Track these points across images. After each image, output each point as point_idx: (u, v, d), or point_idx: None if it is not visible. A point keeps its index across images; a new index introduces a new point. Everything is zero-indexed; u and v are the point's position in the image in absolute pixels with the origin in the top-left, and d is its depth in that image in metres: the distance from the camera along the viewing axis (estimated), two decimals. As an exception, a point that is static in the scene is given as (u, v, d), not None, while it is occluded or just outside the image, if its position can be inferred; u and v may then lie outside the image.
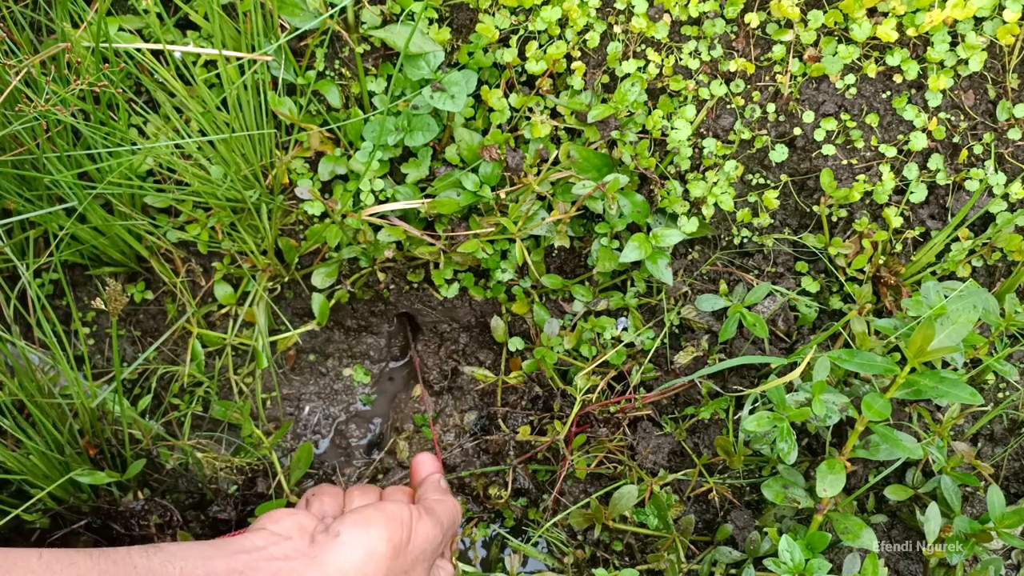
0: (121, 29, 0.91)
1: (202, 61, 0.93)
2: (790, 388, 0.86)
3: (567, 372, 1.01)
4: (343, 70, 0.96)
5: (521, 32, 0.94)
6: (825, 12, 0.89)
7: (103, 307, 0.75)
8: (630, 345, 0.98)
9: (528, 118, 0.95)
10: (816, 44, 0.91)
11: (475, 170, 0.94)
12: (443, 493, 0.85)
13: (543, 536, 0.99)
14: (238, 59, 0.89)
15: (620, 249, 0.95)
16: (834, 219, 0.94)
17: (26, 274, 0.83)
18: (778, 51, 0.91)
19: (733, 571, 0.89)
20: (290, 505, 0.91)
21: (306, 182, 0.96)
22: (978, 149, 0.90)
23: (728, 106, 0.93)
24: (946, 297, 0.78)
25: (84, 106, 0.83)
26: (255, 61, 0.87)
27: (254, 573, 0.65)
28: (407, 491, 0.87)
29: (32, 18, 0.91)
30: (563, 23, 0.94)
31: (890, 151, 0.91)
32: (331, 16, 0.92)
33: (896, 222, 0.91)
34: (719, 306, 0.93)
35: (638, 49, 0.94)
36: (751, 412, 0.88)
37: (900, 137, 0.91)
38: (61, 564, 0.60)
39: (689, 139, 0.94)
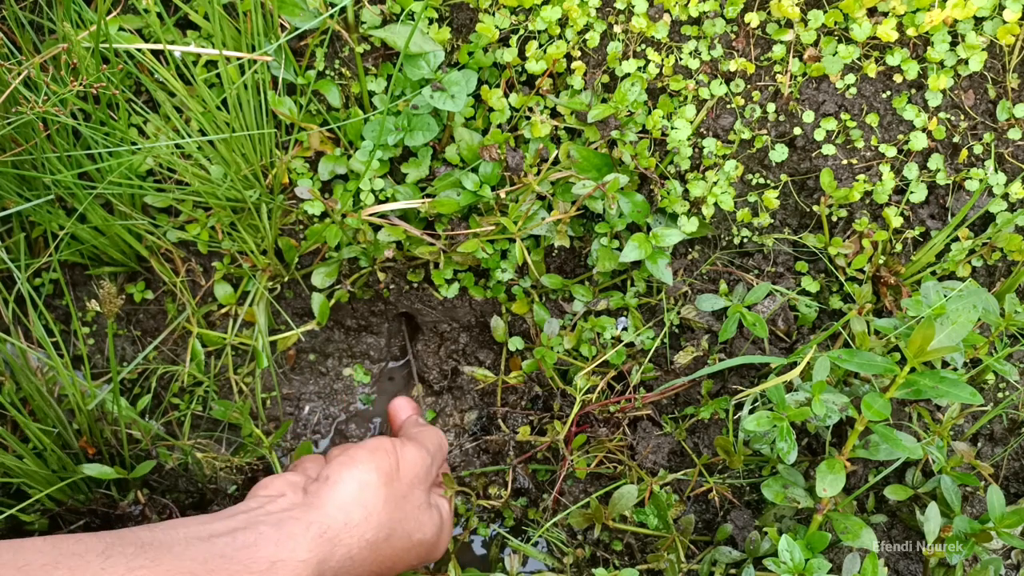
0: (121, 29, 0.91)
1: (202, 61, 0.93)
2: (790, 388, 0.86)
3: (567, 372, 1.01)
4: (343, 70, 0.96)
5: (521, 32, 0.94)
6: (825, 12, 0.89)
7: (99, 309, 0.76)
8: (630, 345, 0.98)
9: (528, 118, 0.95)
10: (816, 44, 0.91)
11: (475, 170, 0.94)
12: (423, 426, 0.86)
13: (543, 536, 0.99)
14: (238, 59, 0.89)
15: (620, 249, 0.95)
16: (834, 219, 0.94)
17: (21, 276, 0.83)
18: (778, 51, 0.91)
19: (733, 571, 0.89)
20: None
21: (306, 182, 0.96)
22: (978, 149, 0.90)
23: (728, 106, 0.93)
24: (946, 297, 0.78)
25: (84, 106, 0.83)
26: (255, 61, 0.87)
27: (257, 525, 0.67)
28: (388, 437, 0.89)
29: (33, 20, 0.91)
30: (563, 23, 0.94)
31: (890, 151, 0.91)
32: (331, 16, 0.92)
33: (896, 222, 0.91)
34: (719, 306, 0.93)
35: (638, 49, 0.94)
36: (751, 412, 0.88)
37: (900, 137, 0.91)
38: (68, 542, 0.62)
39: (689, 139, 0.94)
